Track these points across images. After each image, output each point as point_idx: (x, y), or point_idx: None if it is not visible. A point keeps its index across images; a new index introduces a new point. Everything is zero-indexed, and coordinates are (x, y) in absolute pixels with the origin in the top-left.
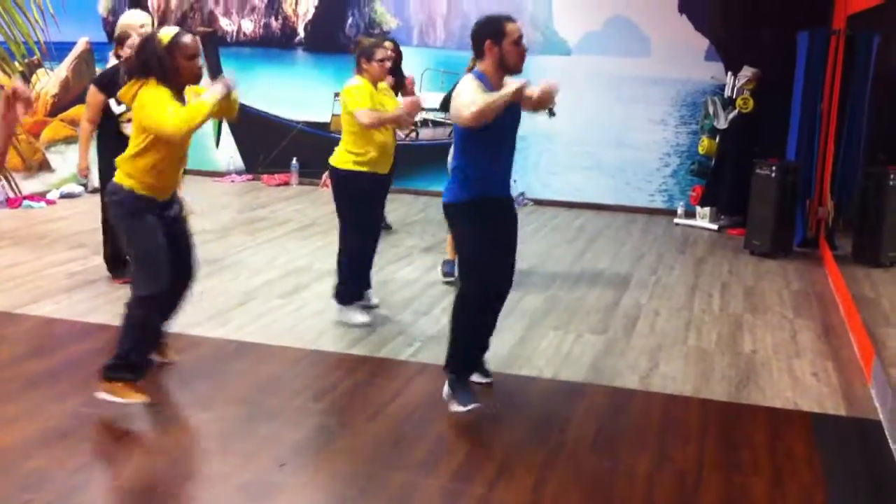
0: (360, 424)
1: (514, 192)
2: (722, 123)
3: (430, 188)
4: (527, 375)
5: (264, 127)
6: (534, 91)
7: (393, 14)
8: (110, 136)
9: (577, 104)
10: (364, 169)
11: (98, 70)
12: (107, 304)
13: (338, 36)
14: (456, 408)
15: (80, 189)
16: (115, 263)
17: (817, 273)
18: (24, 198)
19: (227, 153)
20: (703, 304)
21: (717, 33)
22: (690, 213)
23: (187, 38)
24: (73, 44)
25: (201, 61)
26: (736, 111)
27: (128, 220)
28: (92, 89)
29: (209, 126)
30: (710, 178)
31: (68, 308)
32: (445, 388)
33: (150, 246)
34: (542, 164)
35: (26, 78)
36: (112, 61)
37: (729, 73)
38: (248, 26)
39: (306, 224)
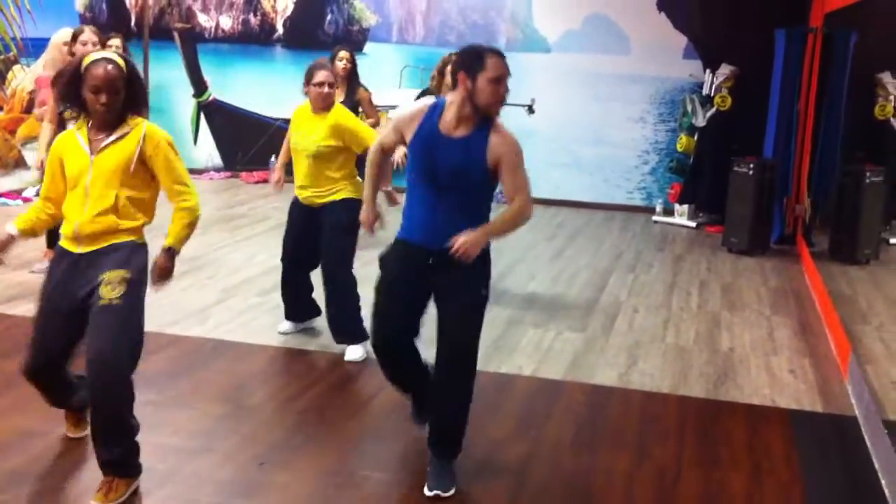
0: (340, 423)
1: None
2: (700, 121)
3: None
4: (506, 373)
5: (243, 124)
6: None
7: (372, 10)
8: None
9: (557, 102)
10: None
11: None
12: None
13: (317, 33)
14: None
15: None
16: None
17: (794, 270)
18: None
19: (206, 150)
20: (681, 301)
21: (695, 31)
22: (669, 211)
23: (96, 69)
24: (49, 40)
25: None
26: (714, 109)
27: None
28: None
29: (187, 122)
30: (688, 176)
31: None
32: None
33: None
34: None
35: (2, 74)
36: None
37: (707, 71)
38: (226, 22)
39: (285, 221)
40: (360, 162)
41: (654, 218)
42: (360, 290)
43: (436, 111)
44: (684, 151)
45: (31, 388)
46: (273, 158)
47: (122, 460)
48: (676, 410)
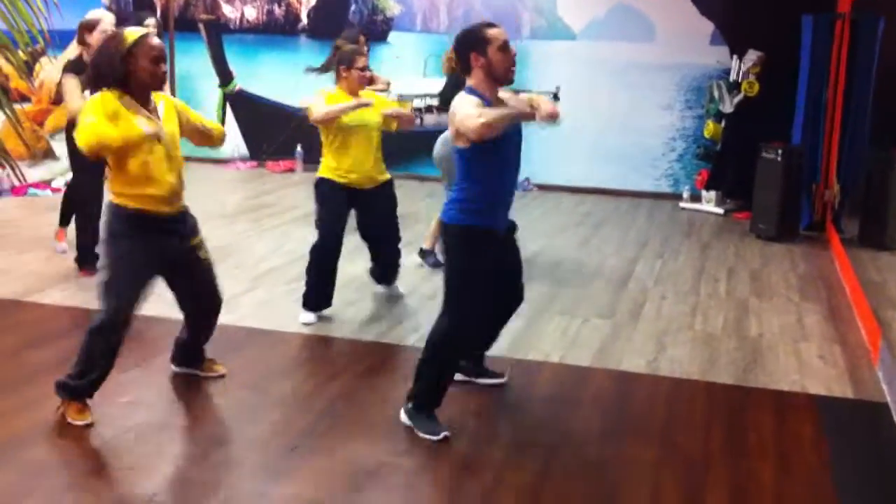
0: (369, 410)
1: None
2: (727, 107)
3: (435, 174)
4: (533, 360)
5: (268, 114)
6: (540, 107)
7: (396, 0)
8: None
9: (582, 90)
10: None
11: None
12: None
13: (341, 22)
14: (425, 436)
15: None
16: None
17: (823, 256)
18: (29, 186)
19: (232, 140)
20: (709, 288)
21: (721, 17)
22: (696, 198)
23: (154, 40)
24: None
25: (165, 66)
26: (741, 95)
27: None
28: (68, 78)
29: (213, 113)
30: (715, 162)
31: (74, 295)
32: (402, 415)
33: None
34: (546, 150)
35: (29, 66)
36: (74, 49)
37: (734, 57)
38: (251, 13)
39: (311, 211)
40: None
41: (682, 204)
42: None
43: (478, 94)
44: (711, 138)
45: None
46: (299, 147)
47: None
48: (704, 397)
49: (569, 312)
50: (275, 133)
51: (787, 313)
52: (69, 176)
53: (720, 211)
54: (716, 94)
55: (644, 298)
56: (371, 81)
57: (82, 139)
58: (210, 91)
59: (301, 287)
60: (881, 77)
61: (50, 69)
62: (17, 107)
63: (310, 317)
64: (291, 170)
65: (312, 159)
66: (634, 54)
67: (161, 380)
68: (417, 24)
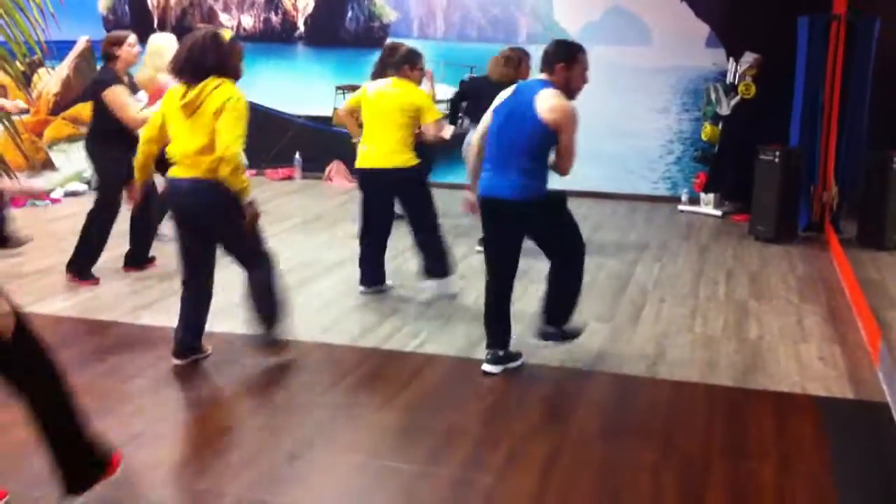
0: (369, 416)
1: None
2: (724, 110)
3: (437, 180)
4: (533, 364)
5: (266, 122)
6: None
7: (392, 7)
8: (120, 135)
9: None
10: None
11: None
12: (115, 301)
13: (338, 30)
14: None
15: (84, 187)
16: (133, 258)
17: (822, 258)
18: (29, 197)
19: None
20: (708, 290)
21: (717, 20)
22: (694, 200)
23: (238, 43)
24: (74, 42)
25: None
26: (738, 97)
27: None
28: (121, 89)
29: None
30: (713, 165)
31: (74, 306)
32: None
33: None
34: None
35: (28, 77)
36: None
37: (730, 60)
38: (248, 21)
39: (310, 218)
40: None
41: (680, 207)
42: None
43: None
44: (709, 140)
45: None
46: (297, 155)
47: None
48: (705, 400)
49: None
50: (272, 141)
51: (786, 315)
52: (68, 187)
53: (718, 213)
54: (713, 96)
55: (643, 301)
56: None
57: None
58: None
59: (301, 294)
60: (878, 78)
61: (48, 80)
62: (15, 118)
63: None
64: (290, 177)
65: (311, 167)
66: (630, 57)
67: (163, 389)
68: (414, 30)
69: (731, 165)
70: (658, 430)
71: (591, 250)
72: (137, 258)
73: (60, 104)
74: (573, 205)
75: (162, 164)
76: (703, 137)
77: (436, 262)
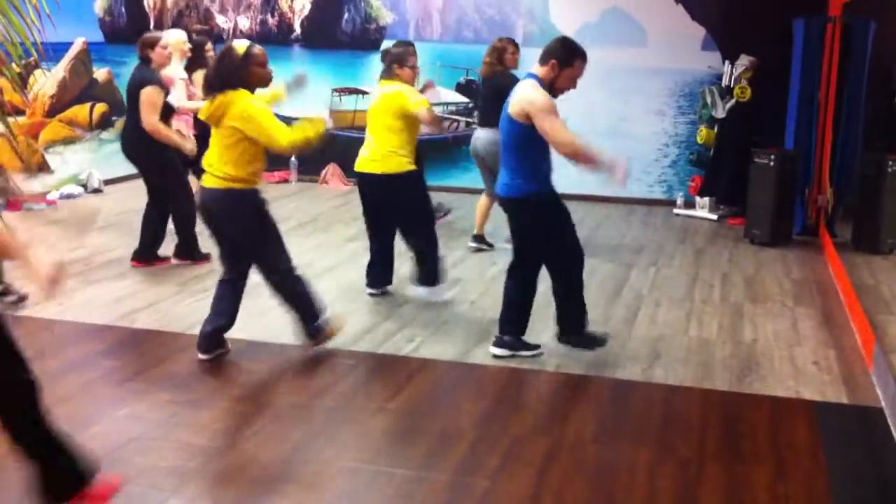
0: (364, 420)
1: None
2: (720, 113)
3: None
4: (529, 368)
5: None
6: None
7: (389, 9)
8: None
9: (574, 95)
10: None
11: (96, 69)
12: (110, 305)
13: (334, 32)
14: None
15: (79, 190)
16: (143, 252)
17: (817, 261)
18: (25, 200)
19: None
20: (703, 294)
21: (713, 22)
22: (690, 204)
23: (257, 49)
24: (70, 44)
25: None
26: (734, 100)
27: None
28: (157, 92)
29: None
30: (708, 168)
31: (70, 309)
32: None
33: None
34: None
35: (24, 79)
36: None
37: (726, 63)
38: (244, 23)
39: (306, 221)
40: None
41: (675, 211)
42: None
43: (542, 84)
44: (704, 144)
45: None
46: (293, 158)
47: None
48: (699, 404)
49: None
50: None
51: (781, 318)
52: (63, 189)
53: (714, 217)
54: (708, 99)
55: (638, 305)
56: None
57: (288, 142)
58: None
59: None
60: (873, 81)
61: (44, 81)
62: (11, 120)
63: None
64: (286, 180)
65: (307, 170)
66: (626, 60)
67: (158, 393)
68: (411, 32)
69: (727, 169)
70: (653, 433)
71: (586, 253)
72: (146, 254)
73: (56, 106)
74: (570, 207)
75: (197, 168)
76: (699, 141)
77: (426, 271)
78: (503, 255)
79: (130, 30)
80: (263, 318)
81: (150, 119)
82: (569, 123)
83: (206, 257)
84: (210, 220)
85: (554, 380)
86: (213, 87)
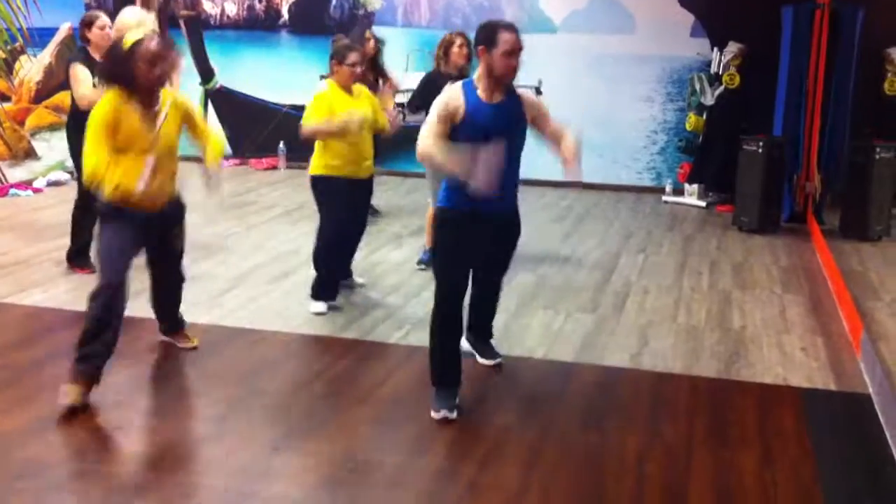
0: (352, 408)
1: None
2: (709, 100)
3: (417, 170)
4: (517, 355)
5: (250, 111)
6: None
7: None
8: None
9: (563, 82)
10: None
11: None
12: None
13: (322, 18)
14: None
15: (66, 176)
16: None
17: (805, 248)
18: (11, 186)
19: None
20: (692, 281)
21: (702, 9)
22: (678, 191)
23: (152, 43)
24: (56, 29)
25: (162, 67)
26: (722, 87)
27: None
28: (79, 66)
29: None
30: (697, 155)
31: (56, 297)
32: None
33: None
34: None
35: (9, 65)
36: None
37: (715, 49)
38: (231, 9)
39: (294, 208)
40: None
41: (664, 198)
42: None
43: (468, 86)
44: (693, 130)
45: (42, 378)
46: (282, 144)
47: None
48: (688, 390)
49: (552, 307)
50: (257, 130)
51: (769, 305)
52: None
53: (702, 204)
54: (697, 86)
55: (627, 292)
56: (376, 80)
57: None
58: (191, 88)
59: (284, 284)
60: (861, 67)
61: (30, 67)
62: None
63: (321, 306)
64: (275, 167)
65: (295, 156)
66: (615, 46)
67: (148, 381)
68: (399, 18)
69: (716, 156)
70: (641, 420)
71: (574, 241)
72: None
73: (42, 92)
74: (557, 195)
75: None
76: (688, 127)
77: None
78: None
79: (117, 14)
80: (253, 304)
81: (80, 92)
82: (556, 112)
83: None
84: None
85: (542, 367)
86: (104, 82)
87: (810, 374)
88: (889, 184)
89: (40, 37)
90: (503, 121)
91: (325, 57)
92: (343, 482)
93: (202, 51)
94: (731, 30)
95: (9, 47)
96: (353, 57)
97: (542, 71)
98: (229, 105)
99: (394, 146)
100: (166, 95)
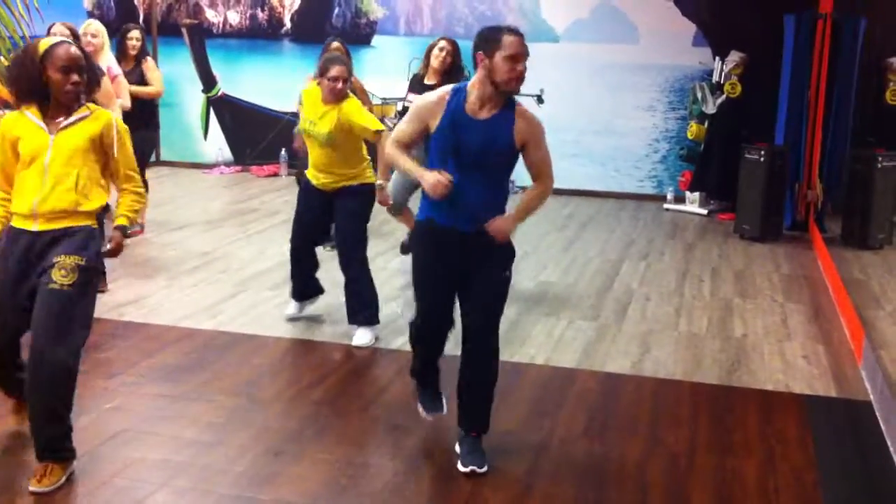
0: (354, 414)
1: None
2: (710, 108)
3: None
4: (519, 362)
5: (252, 119)
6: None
7: (379, 3)
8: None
9: (566, 92)
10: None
11: None
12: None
13: (324, 26)
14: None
15: None
16: None
17: (807, 256)
18: None
19: (216, 145)
20: (693, 289)
21: (704, 19)
22: (680, 199)
23: (65, 49)
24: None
25: (78, 77)
26: (724, 96)
27: None
28: None
29: (196, 118)
30: (698, 163)
31: None
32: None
33: None
34: None
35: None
36: None
37: (716, 58)
38: (234, 17)
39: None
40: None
41: (666, 206)
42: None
43: (458, 94)
44: (695, 139)
45: None
46: (283, 152)
47: (56, 446)
48: (689, 397)
49: (554, 314)
50: (259, 137)
51: (771, 313)
52: None
53: (704, 212)
54: (699, 95)
55: (628, 300)
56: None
57: None
58: (194, 96)
59: (285, 291)
60: (863, 77)
61: None
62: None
63: (291, 309)
64: (276, 174)
65: (297, 163)
66: (617, 56)
67: (146, 386)
68: (401, 27)
69: (717, 164)
70: (643, 427)
71: (576, 248)
72: None
73: None
74: (558, 203)
75: None
76: (689, 136)
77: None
78: None
79: (120, 23)
80: (254, 310)
81: None
82: (559, 120)
83: None
84: None
85: (544, 373)
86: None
87: (811, 382)
88: (890, 192)
89: None
90: (478, 141)
91: None
92: (344, 487)
93: (204, 59)
94: (733, 39)
95: (11, 55)
96: (334, 70)
97: (543, 80)
98: (231, 113)
99: None
100: (104, 115)
